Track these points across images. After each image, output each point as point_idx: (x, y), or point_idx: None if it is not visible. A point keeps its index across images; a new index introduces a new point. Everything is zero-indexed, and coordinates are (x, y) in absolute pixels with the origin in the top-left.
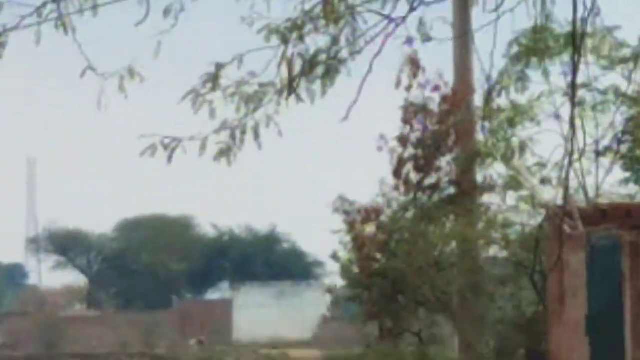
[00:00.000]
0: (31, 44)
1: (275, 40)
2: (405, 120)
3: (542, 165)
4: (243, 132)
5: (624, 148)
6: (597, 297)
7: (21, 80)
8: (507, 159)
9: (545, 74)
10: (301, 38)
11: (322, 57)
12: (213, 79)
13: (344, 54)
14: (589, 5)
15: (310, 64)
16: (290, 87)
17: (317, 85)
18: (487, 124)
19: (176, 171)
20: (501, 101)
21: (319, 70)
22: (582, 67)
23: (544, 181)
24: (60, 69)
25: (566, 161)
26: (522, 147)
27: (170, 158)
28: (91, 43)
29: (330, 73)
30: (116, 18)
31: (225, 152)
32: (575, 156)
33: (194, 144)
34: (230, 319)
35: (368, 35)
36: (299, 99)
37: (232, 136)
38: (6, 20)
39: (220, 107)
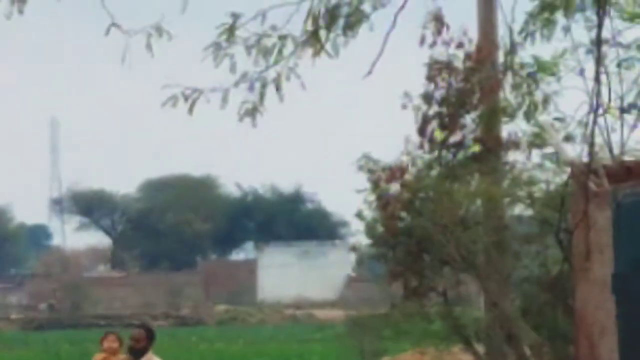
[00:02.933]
0: (53, 2)
1: None
2: (430, 78)
3: (561, 120)
4: (263, 85)
5: None
6: (624, 255)
7: (43, 40)
8: (530, 115)
9: (568, 29)
10: None
11: (345, 9)
12: (229, 30)
13: (367, 7)
14: None
15: (331, 15)
16: (316, 39)
17: (340, 40)
18: (510, 78)
19: (200, 131)
20: (525, 56)
21: (341, 21)
22: (605, 22)
23: (568, 138)
24: (83, 28)
25: (591, 117)
26: (546, 101)
27: (191, 109)
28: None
29: (352, 24)
30: None
31: (250, 112)
32: (600, 112)
33: (216, 97)
34: (254, 279)
35: None
36: (324, 51)
37: (251, 88)
38: None
39: (241, 61)
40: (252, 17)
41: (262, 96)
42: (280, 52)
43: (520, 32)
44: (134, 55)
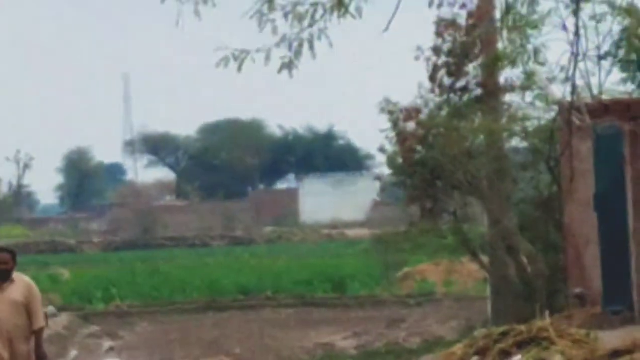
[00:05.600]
0: None
1: None
2: (438, 34)
3: (543, 64)
4: (300, 45)
5: (621, 53)
6: (603, 178)
7: (110, 8)
8: (523, 63)
9: None
10: None
11: None
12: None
13: None
14: None
15: None
16: (341, 4)
17: (362, 3)
18: (505, 33)
19: (249, 81)
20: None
21: None
22: None
23: (551, 80)
24: None
25: (572, 62)
26: (536, 52)
27: (240, 68)
28: None
29: None
30: None
31: (287, 66)
32: (580, 59)
33: (260, 56)
34: (296, 205)
35: None
36: (350, 14)
37: (290, 48)
38: None
39: (281, 25)
40: None
41: (297, 54)
42: (312, 17)
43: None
44: (186, 19)
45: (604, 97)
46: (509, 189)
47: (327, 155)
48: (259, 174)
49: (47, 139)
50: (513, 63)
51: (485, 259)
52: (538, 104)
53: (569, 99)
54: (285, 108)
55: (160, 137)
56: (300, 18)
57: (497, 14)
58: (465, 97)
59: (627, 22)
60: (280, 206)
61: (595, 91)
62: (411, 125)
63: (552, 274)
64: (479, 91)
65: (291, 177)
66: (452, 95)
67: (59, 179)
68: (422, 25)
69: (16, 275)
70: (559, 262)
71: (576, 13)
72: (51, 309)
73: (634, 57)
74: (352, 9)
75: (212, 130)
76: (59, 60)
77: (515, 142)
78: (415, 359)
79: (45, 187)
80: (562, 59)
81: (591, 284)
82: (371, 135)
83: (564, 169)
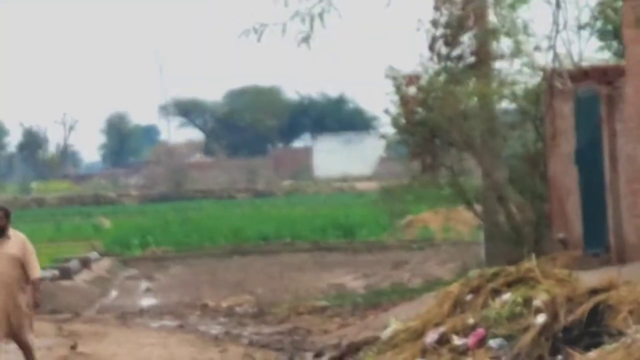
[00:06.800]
0: None
1: None
2: (436, 8)
3: (530, 35)
4: (312, 18)
5: (598, 24)
6: (582, 136)
7: None
8: (513, 34)
9: None
10: None
11: None
12: None
13: None
14: None
15: None
16: None
17: None
18: (497, 9)
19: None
20: None
21: None
22: None
23: (537, 48)
24: None
25: (554, 32)
26: (524, 25)
27: (259, 38)
28: None
29: None
30: None
31: (305, 39)
32: (561, 28)
33: (277, 28)
34: (311, 161)
35: None
36: None
37: (303, 21)
38: None
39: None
40: None
41: (311, 26)
42: None
43: None
44: None
45: (584, 63)
46: (499, 145)
47: (338, 117)
48: (277, 133)
49: (90, 103)
50: (504, 34)
51: (478, 208)
52: (525, 70)
53: (552, 65)
54: (300, 75)
55: (190, 101)
56: None
57: None
58: (460, 65)
59: None
60: (297, 162)
61: (576, 58)
62: (412, 90)
63: (538, 221)
64: (472, 59)
65: (306, 136)
66: (448, 62)
67: (101, 139)
68: (422, 0)
69: (12, 231)
70: (544, 211)
71: None
72: (94, 254)
73: (609, 27)
74: None
75: (236, 95)
76: (101, 35)
77: (505, 104)
78: (417, 296)
79: (89, 146)
80: (546, 30)
81: (573, 229)
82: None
83: (547, 127)
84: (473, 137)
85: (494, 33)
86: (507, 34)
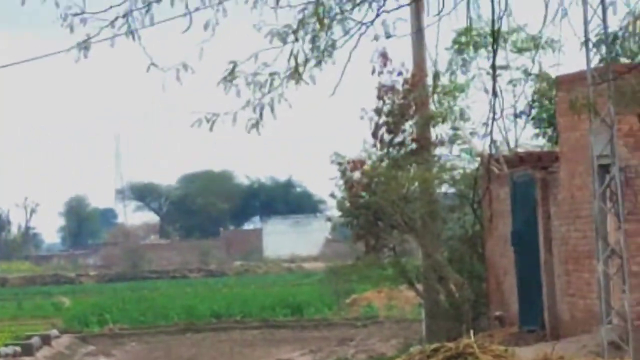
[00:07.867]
0: (107, 49)
1: (276, 41)
2: (379, 97)
3: (466, 120)
4: (262, 108)
5: (533, 112)
6: (518, 218)
7: (101, 77)
8: (452, 121)
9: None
10: (296, 40)
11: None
12: (231, 72)
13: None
14: (503, 7)
15: (306, 56)
16: (297, 73)
17: (314, 71)
18: (436, 97)
19: (218, 139)
20: (445, 81)
21: (313, 61)
22: (501, 53)
23: (473, 134)
24: (129, 66)
25: (491, 120)
26: (462, 113)
27: (211, 128)
28: (150, 46)
29: (320, 63)
30: (168, 27)
31: (254, 125)
32: (497, 117)
33: (228, 117)
34: (261, 242)
35: (348, 35)
36: (303, 81)
37: (254, 110)
38: (89, 30)
39: (244, 90)
40: (247, 58)
41: (261, 115)
42: (271, 84)
43: (445, 71)
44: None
45: (519, 149)
46: (439, 227)
47: (287, 200)
48: (229, 216)
49: (50, 187)
50: (443, 120)
51: (420, 287)
52: (463, 155)
53: (489, 151)
54: (251, 160)
55: (146, 186)
56: (260, 86)
57: (429, 80)
58: (402, 151)
59: (538, 85)
60: (247, 244)
61: (512, 144)
62: (357, 175)
63: (476, 299)
64: (413, 145)
65: (256, 219)
66: (391, 149)
67: (61, 221)
68: (365, 90)
69: None
70: (482, 289)
71: (494, 78)
72: (54, 331)
73: (544, 115)
74: (306, 76)
75: (190, 180)
76: (61, 121)
77: (445, 188)
78: None
79: (49, 228)
80: (483, 117)
81: (509, 307)
82: (324, 183)
83: (485, 210)
84: (414, 220)
85: (433, 118)
86: (445, 120)
